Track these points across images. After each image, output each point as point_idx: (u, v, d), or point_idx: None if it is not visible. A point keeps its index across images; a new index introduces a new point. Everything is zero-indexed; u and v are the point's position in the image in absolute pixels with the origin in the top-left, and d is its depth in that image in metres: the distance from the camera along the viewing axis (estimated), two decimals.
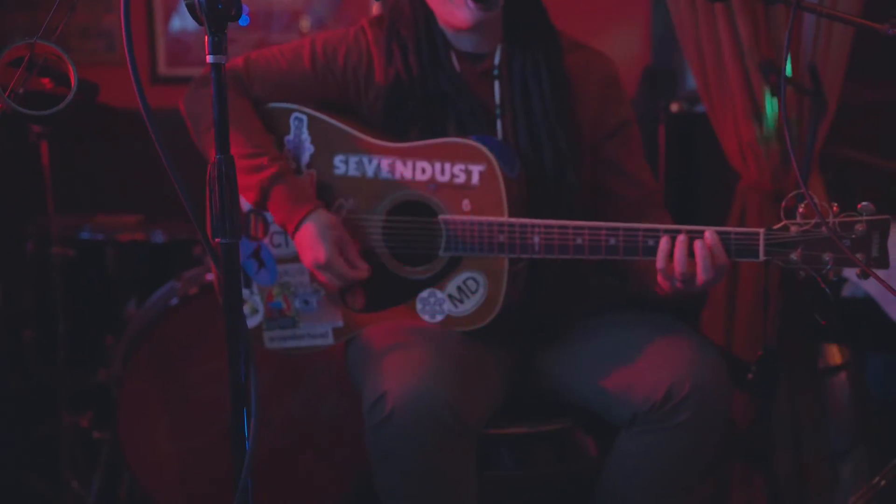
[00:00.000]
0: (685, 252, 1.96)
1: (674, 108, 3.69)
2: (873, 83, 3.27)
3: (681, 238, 1.97)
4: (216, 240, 1.57)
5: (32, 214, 3.35)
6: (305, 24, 4.40)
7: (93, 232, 3.33)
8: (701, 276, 1.96)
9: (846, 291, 2.83)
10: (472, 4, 2.11)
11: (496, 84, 2.26)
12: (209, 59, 1.53)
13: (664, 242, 1.98)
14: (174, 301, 2.96)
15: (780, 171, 3.03)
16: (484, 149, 2.12)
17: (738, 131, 3.02)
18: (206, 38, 1.51)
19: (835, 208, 1.93)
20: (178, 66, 4.33)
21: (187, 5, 1.51)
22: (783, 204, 1.94)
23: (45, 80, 2.15)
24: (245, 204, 2.30)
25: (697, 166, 3.77)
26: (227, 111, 1.53)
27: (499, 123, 2.25)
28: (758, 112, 2.95)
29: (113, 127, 3.31)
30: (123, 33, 1.40)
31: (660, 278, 2.02)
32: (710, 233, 1.97)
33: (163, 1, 4.36)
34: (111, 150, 4.04)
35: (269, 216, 2.29)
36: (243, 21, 4.38)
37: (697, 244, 1.95)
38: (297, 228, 2.18)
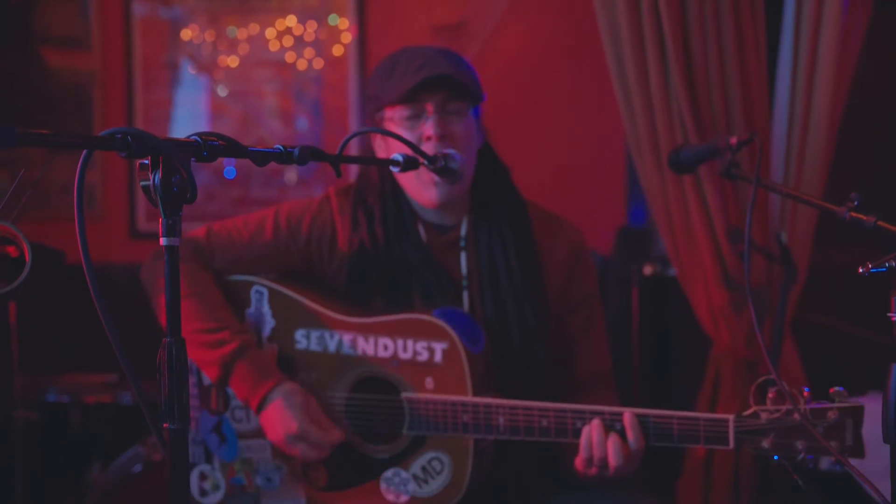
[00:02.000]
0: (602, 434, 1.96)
1: (647, 270, 3.69)
2: (844, 246, 3.29)
3: (595, 422, 1.97)
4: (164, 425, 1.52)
5: None
6: (293, 177, 4.44)
7: (58, 394, 3.27)
8: (611, 460, 1.95)
9: (824, 465, 2.78)
10: (439, 181, 2.12)
11: (462, 255, 2.26)
12: (162, 241, 1.51)
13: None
14: (138, 468, 2.88)
15: (754, 337, 3.01)
16: (447, 327, 2.10)
17: (709, 297, 3.01)
18: (160, 219, 1.49)
19: (805, 393, 1.90)
20: (158, 221, 4.33)
21: (143, 188, 1.50)
22: (752, 388, 1.91)
23: (10, 249, 2.14)
24: (206, 376, 2.27)
25: (671, 330, 3.75)
26: (179, 293, 1.50)
27: (465, 295, 2.24)
28: (728, 278, 2.94)
29: (84, 284, 3.28)
30: (75, 192, 1.37)
31: (578, 461, 2.01)
32: (627, 414, 1.96)
33: None
34: (82, 307, 4.00)
35: (231, 390, 2.24)
36: (229, 174, 4.42)
37: (631, 433, 1.96)
38: (261, 404, 2.14)
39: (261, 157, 1.62)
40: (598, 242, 3.98)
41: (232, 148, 1.54)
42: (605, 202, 4.29)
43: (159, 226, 1.48)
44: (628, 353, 3.60)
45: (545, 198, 2.48)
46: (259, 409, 2.14)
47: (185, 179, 1.41)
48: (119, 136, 1.36)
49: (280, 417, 2.12)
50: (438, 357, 2.11)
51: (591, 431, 1.97)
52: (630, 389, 3.57)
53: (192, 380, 2.30)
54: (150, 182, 1.42)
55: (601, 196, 4.30)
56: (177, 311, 1.50)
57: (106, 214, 4.41)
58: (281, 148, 1.64)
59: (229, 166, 4.44)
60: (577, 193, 4.24)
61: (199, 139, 1.48)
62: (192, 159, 1.48)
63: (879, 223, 1.72)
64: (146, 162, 1.42)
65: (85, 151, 1.36)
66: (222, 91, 4.41)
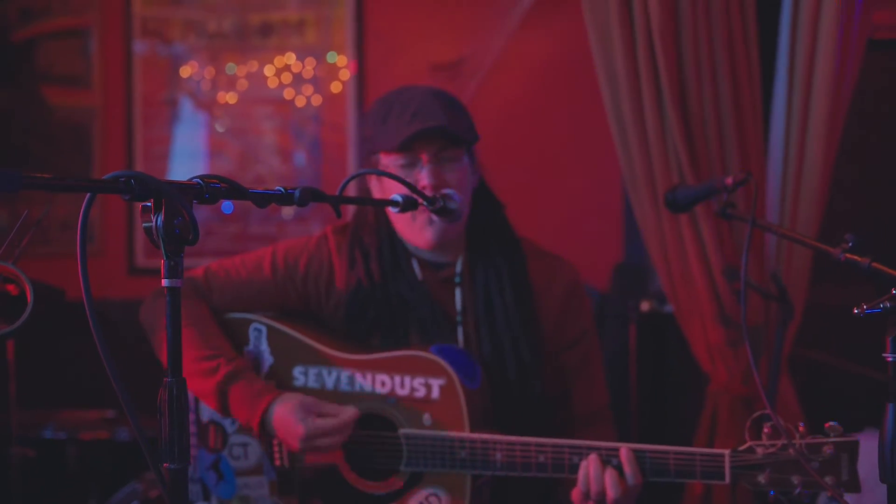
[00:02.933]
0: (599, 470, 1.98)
1: (644, 307, 3.71)
2: (841, 283, 3.31)
3: (592, 456, 1.99)
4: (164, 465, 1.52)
5: None
6: (290, 212, 4.45)
7: (55, 430, 3.27)
8: (609, 492, 1.95)
9: (822, 501, 2.77)
10: (435, 219, 2.14)
11: (458, 291, 2.27)
12: (164, 282, 1.52)
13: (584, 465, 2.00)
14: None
15: (750, 374, 3.02)
16: (444, 363, 2.12)
17: (706, 334, 3.02)
18: (163, 261, 1.51)
19: (801, 428, 1.91)
20: (157, 257, 4.34)
21: (145, 229, 1.51)
22: (748, 423, 1.92)
23: (10, 287, 2.15)
24: (204, 412, 2.27)
25: (669, 366, 3.76)
26: (180, 335, 1.51)
27: (460, 331, 2.25)
28: (725, 316, 2.96)
29: (83, 320, 3.29)
30: (79, 235, 1.39)
31: (574, 493, 2.02)
32: (624, 449, 1.98)
33: None
34: (80, 344, 4.01)
35: (228, 427, 2.25)
36: (227, 209, 4.43)
37: (627, 468, 1.97)
38: (262, 424, 2.12)
39: (262, 198, 1.63)
40: (595, 279, 4.00)
41: (233, 190, 1.56)
42: (602, 238, 4.31)
43: (161, 267, 1.50)
44: (626, 389, 3.61)
45: (542, 234, 2.50)
46: (261, 429, 2.13)
47: (186, 222, 1.43)
48: (123, 179, 1.38)
49: (285, 430, 2.10)
50: (436, 393, 2.12)
51: (589, 465, 1.98)
52: (628, 425, 3.57)
53: (191, 417, 2.31)
54: (153, 224, 1.44)
55: (598, 232, 4.32)
56: (178, 352, 1.51)
57: (105, 250, 4.43)
58: (282, 189, 1.66)
59: (227, 201, 4.45)
60: (575, 230, 4.27)
61: (200, 181, 1.50)
62: (194, 201, 1.50)
63: (874, 265, 1.74)
64: (149, 204, 1.43)
65: (89, 195, 1.37)
66: (220, 127, 4.44)
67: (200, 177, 1.50)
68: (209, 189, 1.51)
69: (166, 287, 1.52)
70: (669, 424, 3.78)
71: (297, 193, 1.67)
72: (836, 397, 3.41)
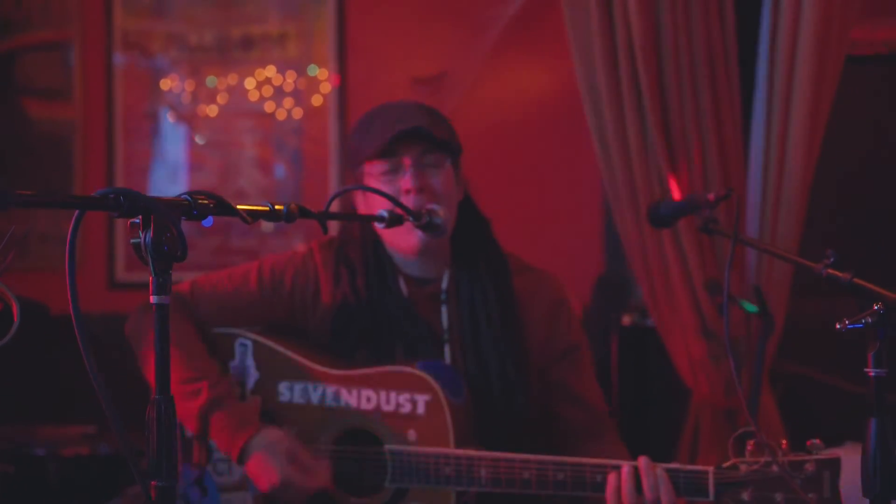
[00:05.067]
0: (632, 485, 1.94)
1: (626, 320, 3.72)
2: (822, 297, 3.34)
3: (625, 470, 1.96)
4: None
5: None
6: (270, 226, 4.43)
7: (35, 446, 3.24)
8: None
9: None
10: (419, 231, 2.15)
11: (443, 308, 2.28)
12: (153, 299, 1.52)
13: (612, 479, 1.96)
14: None
15: (733, 387, 3.04)
16: (429, 378, 2.12)
17: (688, 348, 3.04)
18: (151, 278, 1.50)
19: (783, 444, 1.92)
20: (136, 271, 4.34)
21: (133, 246, 1.51)
22: (730, 440, 1.93)
23: None
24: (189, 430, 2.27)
25: (651, 380, 3.77)
26: (168, 351, 1.51)
27: (446, 348, 2.26)
28: (706, 329, 2.98)
29: (67, 334, 3.28)
30: (67, 252, 1.39)
31: None
32: (659, 469, 1.95)
33: None
34: (62, 359, 3.99)
35: (213, 442, 2.24)
36: (207, 222, 4.42)
37: (646, 481, 1.93)
38: (241, 455, 2.13)
39: (249, 215, 1.64)
40: (576, 291, 4.00)
41: (221, 206, 1.56)
42: (583, 251, 4.32)
43: (150, 284, 1.49)
44: (608, 403, 3.61)
45: (524, 246, 2.51)
46: (240, 460, 2.14)
47: (175, 238, 1.43)
48: (112, 195, 1.38)
49: (262, 469, 2.11)
50: (421, 409, 2.12)
51: (624, 480, 1.95)
52: None
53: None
54: (142, 241, 1.44)
55: (579, 245, 4.33)
56: (166, 369, 1.51)
57: (84, 264, 4.39)
58: (270, 206, 1.67)
59: (208, 224, 4.45)
60: (556, 242, 4.27)
61: (189, 198, 1.50)
62: (182, 218, 1.50)
63: (855, 280, 1.76)
64: (137, 221, 1.43)
65: (77, 212, 1.37)
66: (201, 140, 4.43)
67: (189, 193, 1.51)
68: (197, 205, 1.51)
69: (154, 304, 1.52)
70: (652, 438, 3.79)
71: (284, 210, 1.68)
72: (817, 410, 3.43)
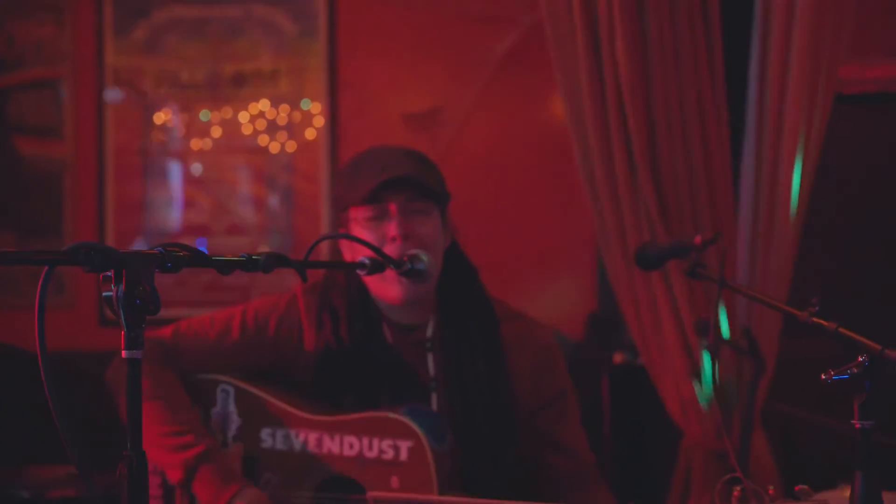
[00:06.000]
0: None
1: (617, 358, 3.70)
2: (811, 339, 3.32)
3: None
4: None
5: None
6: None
7: (20, 487, 3.21)
8: None
9: None
10: (404, 280, 2.13)
11: (429, 356, 2.26)
12: (124, 353, 1.51)
13: None
14: None
15: (725, 429, 3.01)
16: (412, 424, 2.10)
17: (678, 389, 3.02)
18: (122, 332, 1.49)
19: (770, 491, 1.89)
20: None
21: (105, 299, 1.50)
22: (717, 487, 1.90)
23: None
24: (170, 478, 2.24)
25: (643, 420, 3.74)
26: (140, 407, 1.49)
27: (433, 396, 2.24)
28: (697, 371, 2.96)
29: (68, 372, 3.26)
30: (36, 309, 1.38)
31: None
32: None
33: (115, 237, 4.36)
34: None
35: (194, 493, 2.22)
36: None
37: None
38: None
39: (225, 266, 1.62)
40: (569, 328, 3.99)
41: (196, 258, 1.55)
42: (575, 287, 4.31)
43: (121, 338, 1.48)
44: (599, 442, 3.59)
45: (516, 282, 2.50)
46: None
47: (148, 292, 1.42)
48: (83, 250, 1.37)
49: None
50: (404, 455, 2.10)
51: None
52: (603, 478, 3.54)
53: (157, 480, 2.27)
54: (113, 295, 1.42)
55: (572, 281, 4.32)
56: (138, 425, 1.49)
57: (75, 303, 4.38)
58: (245, 256, 1.65)
59: (202, 247, 4.43)
60: (549, 278, 4.26)
61: (162, 250, 1.49)
62: (156, 271, 1.48)
63: (840, 330, 1.74)
64: (109, 275, 1.42)
65: (47, 268, 1.36)
66: (196, 171, 4.42)
67: (163, 245, 1.50)
68: (171, 258, 1.50)
69: (126, 359, 1.51)
70: (645, 478, 3.76)
71: (261, 260, 1.66)
72: (810, 451, 3.41)
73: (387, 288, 2.19)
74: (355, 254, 2.18)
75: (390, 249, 2.12)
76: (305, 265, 1.75)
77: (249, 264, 1.65)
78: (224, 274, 1.63)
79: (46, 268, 1.37)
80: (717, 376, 2.04)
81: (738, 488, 1.90)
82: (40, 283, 1.34)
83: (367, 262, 1.92)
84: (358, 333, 2.25)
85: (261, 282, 4.35)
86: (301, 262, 1.74)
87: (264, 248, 4.39)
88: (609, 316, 4.09)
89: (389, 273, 2.16)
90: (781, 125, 2.89)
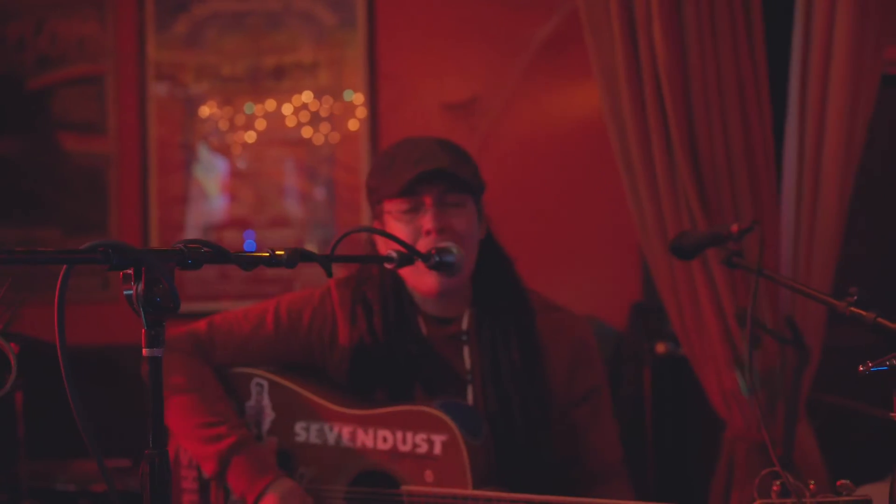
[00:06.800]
0: None
1: (660, 348, 3.64)
2: (857, 327, 3.24)
3: None
4: None
5: (3, 463, 3.27)
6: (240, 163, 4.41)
7: (66, 482, 3.24)
8: None
9: None
10: (435, 272, 2.11)
11: (465, 349, 2.24)
12: (145, 352, 1.51)
13: None
14: None
15: (768, 421, 2.95)
16: (447, 418, 2.08)
17: (720, 379, 2.96)
18: (143, 330, 1.49)
19: (812, 486, 1.85)
20: None
21: (126, 297, 1.50)
22: (756, 481, 1.86)
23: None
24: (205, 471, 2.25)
25: (686, 409, 3.69)
26: (162, 406, 1.49)
27: (469, 388, 2.22)
28: (739, 361, 2.89)
29: (100, 369, 3.30)
30: (56, 308, 1.38)
31: None
32: None
33: (159, 231, 4.40)
34: (95, 393, 4.00)
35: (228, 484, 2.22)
36: (249, 247, 4.42)
37: None
38: (257, 501, 2.12)
39: (247, 261, 1.62)
40: (613, 317, 3.95)
41: (218, 254, 1.54)
42: (619, 276, 4.25)
43: (142, 336, 1.48)
44: (642, 432, 3.54)
45: (559, 271, 2.45)
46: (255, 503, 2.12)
47: (167, 290, 1.41)
48: (101, 249, 1.37)
49: None
50: (438, 449, 2.08)
51: None
52: (644, 471, 3.50)
53: (192, 474, 2.29)
54: (133, 293, 1.42)
55: (616, 270, 4.27)
56: (160, 424, 1.49)
57: (120, 296, 4.41)
58: (270, 251, 1.65)
59: (249, 239, 4.45)
60: (592, 267, 4.21)
61: (183, 247, 1.48)
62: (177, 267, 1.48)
63: (879, 320, 1.69)
64: (129, 273, 1.42)
65: (65, 267, 1.36)
66: (241, 164, 4.44)
67: (183, 242, 1.49)
68: (192, 254, 1.49)
69: (147, 357, 1.51)
70: (688, 469, 3.70)
71: (285, 255, 1.65)
72: (856, 442, 3.32)
73: (421, 280, 2.18)
74: (390, 247, 2.17)
75: (425, 242, 2.11)
76: (330, 259, 1.74)
77: (272, 260, 1.64)
78: (246, 270, 1.62)
79: (65, 266, 1.36)
80: (752, 366, 1.99)
81: (778, 482, 1.86)
82: (59, 281, 1.34)
83: (394, 255, 1.91)
84: (392, 326, 2.23)
85: (303, 274, 4.36)
86: (325, 257, 1.73)
87: (309, 242, 4.40)
88: (653, 305, 4.04)
89: (422, 264, 2.14)
90: (825, 108, 2.80)
